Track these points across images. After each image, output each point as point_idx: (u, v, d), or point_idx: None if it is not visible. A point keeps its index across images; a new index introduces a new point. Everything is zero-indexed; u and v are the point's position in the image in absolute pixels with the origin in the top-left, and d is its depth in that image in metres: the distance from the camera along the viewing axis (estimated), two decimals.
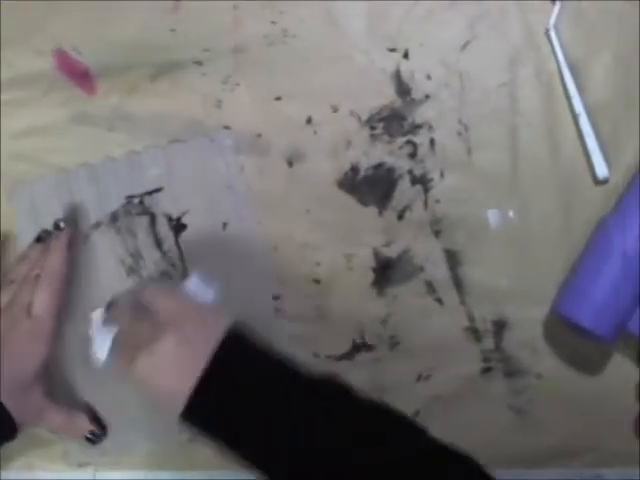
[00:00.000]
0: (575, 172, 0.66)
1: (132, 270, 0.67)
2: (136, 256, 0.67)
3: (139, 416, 0.67)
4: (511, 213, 0.66)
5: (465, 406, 0.66)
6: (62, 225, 0.65)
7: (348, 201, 0.67)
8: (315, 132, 0.68)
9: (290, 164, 0.68)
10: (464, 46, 0.67)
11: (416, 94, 0.67)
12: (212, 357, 0.53)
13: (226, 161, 0.67)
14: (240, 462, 0.54)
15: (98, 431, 0.65)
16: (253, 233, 0.67)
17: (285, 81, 0.68)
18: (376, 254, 0.67)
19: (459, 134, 0.67)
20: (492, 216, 0.67)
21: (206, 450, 0.66)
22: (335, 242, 0.67)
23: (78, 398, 0.67)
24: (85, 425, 0.65)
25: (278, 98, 0.68)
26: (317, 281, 0.67)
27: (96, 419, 0.66)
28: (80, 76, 0.68)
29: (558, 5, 0.66)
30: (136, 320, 0.58)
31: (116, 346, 0.59)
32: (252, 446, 0.53)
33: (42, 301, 0.61)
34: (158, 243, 0.67)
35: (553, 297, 0.65)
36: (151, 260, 0.67)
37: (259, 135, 0.68)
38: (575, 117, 0.66)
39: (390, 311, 0.67)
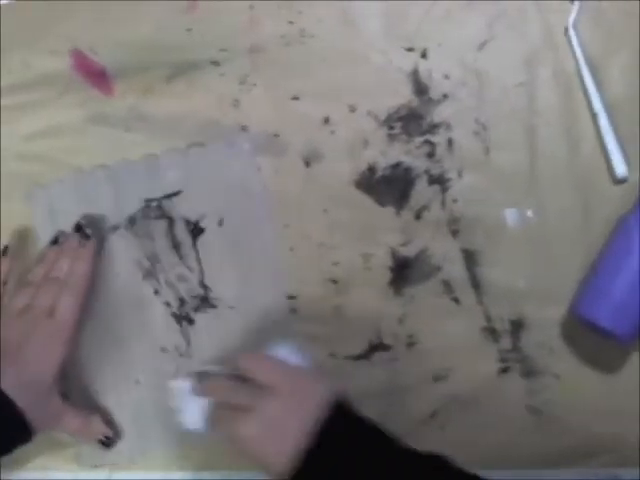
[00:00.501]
0: (594, 171, 0.66)
1: (149, 273, 0.68)
2: (153, 260, 0.67)
3: (153, 420, 0.67)
4: (529, 212, 0.66)
5: (482, 406, 0.66)
6: (89, 232, 0.65)
7: (365, 201, 0.67)
8: (332, 132, 0.68)
9: (307, 164, 0.68)
10: (482, 46, 0.67)
11: (434, 94, 0.67)
12: (319, 428, 0.53)
13: (244, 165, 0.67)
14: None
15: (112, 435, 0.65)
16: (269, 235, 0.67)
17: (302, 81, 0.68)
18: (393, 254, 0.67)
19: (477, 134, 0.67)
20: (510, 216, 0.66)
21: (221, 450, 0.67)
22: (352, 242, 0.67)
23: (93, 401, 0.67)
24: (100, 428, 0.65)
25: (295, 98, 0.68)
26: (334, 281, 0.67)
27: (110, 422, 0.66)
28: (97, 77, 0.68)
29: (577, 5, 0.66)
30: (234, 387, 0.58)
31: (213, 414, 0.59)
32: None
33: (67, 305, 0.62)
34: (176, 246, 0.67)
35: (571, 297, 0.65)
36: (168, 264, 0.68)
37: (276, 135, 0.68)
38: (594, 116, 0.66)
39: (407, 311, 0.67)
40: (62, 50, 0.68)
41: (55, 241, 0.65)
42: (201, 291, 0.67)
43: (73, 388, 0.66)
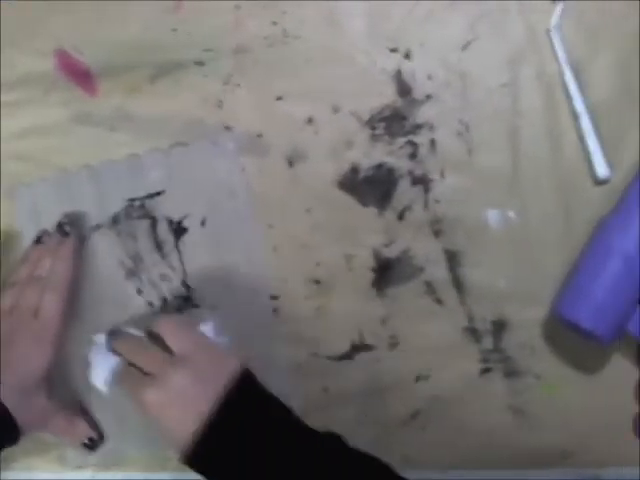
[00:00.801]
0: (576, 172, 0.66)
1: (132, 273, 0.68)
2: (136, 259, 0.68)
3: (136, 420, 0.66)
4: (511, 213, 0.66)
5: (464, 406, 0.66)
6: (68, 229, 0.65)
7: (348, 201, 0.67)
8: (316, 132, 0.68)
9: (291, 164, 0.68)
10: (465, 46, 0.67)
11: (417, 94, 0.67)
12: (223, 399, 0.54)
13: (228, 164, 0.68)
14: None
15: (96, 437, 0.66)
16: (252, 234, 0.67)
17: (286, 81, 0.68)
18: (376, 254, 0.67)
19: (460, 134, 0.67)
20: (492, 216, 0.66)
21: None
22: (335, 242, 0.67)
23: (77, 402, 0.67)
24: (85, 431, 0.65)
25: (279, 98, 0.68)
26: (317, 281, 0.67)
27: (94, 425, 0.66)
28: (81, 76, 0.68)
29: (559, 5, 0.66)
30: (144, 349, 0.59)
31: (118, 374, 0.59)
32: None
33: (50, 305, 0.62)
34: (158, 246, 0.68)
35: (553, 297, 0.65)
36: (151, 263, 0.68)
37: (260, 135, 0.68)
38: (576, 117, 0.66)
39: (390, 311, 0.67)
40: (46, 50, 0.68)
41: (38, 240, 0.66)
42: (184, 291, 0.68)
43: (57, 389, 0.65)
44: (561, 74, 0.66)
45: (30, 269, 0.64)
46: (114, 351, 0.61)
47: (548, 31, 0.66)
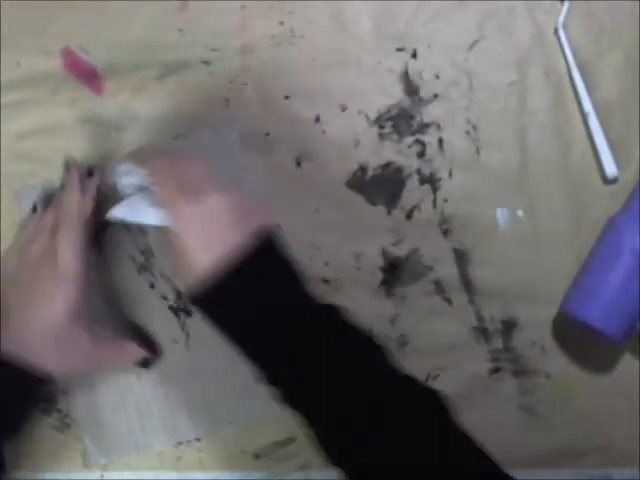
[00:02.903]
0: (584, 171, 0.66)
1: (144, 268, 0.67)
2: (147, 253, 0.67)
3: (156, 416, 0.67)
4: (520, 212, 0.66)
5: (474, 406, 0.66)
6: (69, 165, 0.63)
7: (356, 200, 0.67)
8: (323, 131, 0.67)
9: (298, 163, 0.67)
10: (472, 45, 0.67)
11: (424, 93, 0.67)
12: (247, 248, 0.53)
13: (232, 155, 0.67)
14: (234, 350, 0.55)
15: (149, 356, 0.65)
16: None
17: (293, 81, 0.68)
18: (385, 253, 0.67)
19: (467, 133, 0.67)
20: (501, 215, 0.66)
21: (215, 451, 0.66)
22: (343, 242, 0.67)
23: (125, 325, 0.66)
24: (136, 352, 0.64)
25: (286, 97, 0.68)
26: (326, 281, 0.67)
27: (148, 343, 0.65)
28: (88, 76, 0.68)
29: (567, 5, 0.66)
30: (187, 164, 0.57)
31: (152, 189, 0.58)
32: (256, 346, 0.54)
33: (63, 245, 0.60)
34: None
35: (562, 296, 0.65)
36: (162, 257, 0.67)
37: (267, 134, 0.68)
38: (584, 116, 0.66)
39: (399, 311, 0.67)
40: (53, 49, 0.68)
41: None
42: None
43: (101, 321, 0.64)
44: (569, 73, 0.66)
45: (55, 216, 0.62)
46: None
47: (556, 30, 0.66)
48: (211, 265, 0.52)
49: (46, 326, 0.58)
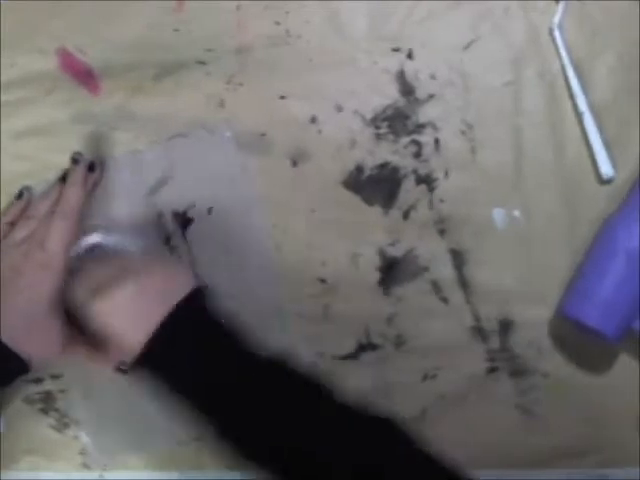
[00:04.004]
0: (580, 172, 0.66)
1: None
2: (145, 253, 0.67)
3: (153, 415, 0.66)
4: (516, 212, 0.66)
5: (471, 406, 0.66)
6: (77, 158, 0.64)
7: (353, 200, 0.67)
8: (319, 131, 0.67)
9: (294, 164, 0.67)
10: (467, 46, 0.67)
11: (420, 94, 0.67)
12: (172, 312, 0.54)
13: (227, 154, 0.67)
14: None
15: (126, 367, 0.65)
16: (259, 220, 0.67)
17: (289, 81, 0.68)
18: (381, 253, 0.67)
19: (463, 133, 0.67)
20: (497, 215, 0.66)
21: (214, 450, 0.66)
22: (340, 242, 0.67)
23: None
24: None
25: (282, 97, 0.68)
26: (322, 280, 0.67)
27: None
28: (83, 76, 0.68)
29: (562, 5, 0.66)
30: (98, 260, 0.60)
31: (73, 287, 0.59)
32: (195, 406, 0.55)
33: (55, 234, 0.61)
34: (166, 238, 0.67)
35: (559, 296, 0.65)
36: None
37: (263, 134, 0.67)
38: (579, 116, 0.66)
39: (395, 310, 0.66)
40: (49, 49, 0.68)
41: (63, 179, 0.65)
42: None
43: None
44: (564, 73, 0.66)
45: (48, 205, 0.63)
46: None
47: (551, 30, 0.66)
48: (139, 341, 0.54)
49: (29, 310, 0.59)
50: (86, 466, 0.67)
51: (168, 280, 0.57)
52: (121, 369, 0.63)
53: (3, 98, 0.68)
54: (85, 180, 0.64)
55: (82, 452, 0.67)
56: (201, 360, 0.55)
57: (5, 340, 0.58)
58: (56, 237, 0.61)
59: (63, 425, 0.67)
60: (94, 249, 0.64)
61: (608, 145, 0.65)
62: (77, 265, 0.62)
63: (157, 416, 0.65)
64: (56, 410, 0.67)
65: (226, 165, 0.67)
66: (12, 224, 0.64)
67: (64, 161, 0.67)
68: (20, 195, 0.66)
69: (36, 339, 0.59)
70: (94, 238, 0.65)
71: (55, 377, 0.66)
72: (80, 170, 0.64)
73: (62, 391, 0.66)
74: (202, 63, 0.68)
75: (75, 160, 0.65)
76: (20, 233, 0.62)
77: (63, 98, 0.68)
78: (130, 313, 0.55)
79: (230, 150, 0.67)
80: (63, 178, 0.65)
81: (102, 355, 0.63)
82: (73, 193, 0.63)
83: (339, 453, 0.52)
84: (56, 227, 0.61)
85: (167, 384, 0.55)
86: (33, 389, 0.66)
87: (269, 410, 0.54)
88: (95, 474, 0.67)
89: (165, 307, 0.55)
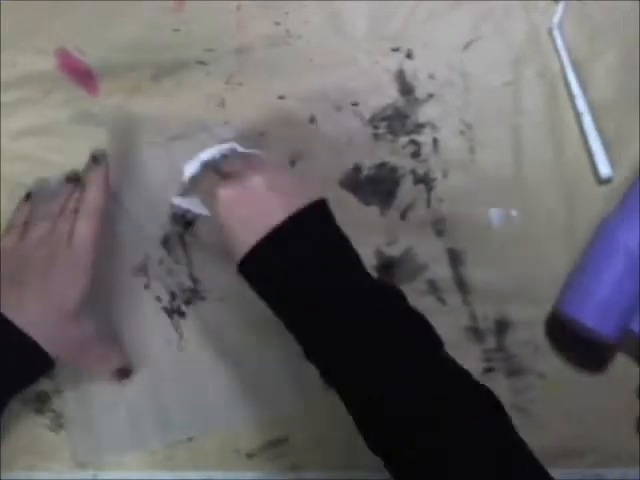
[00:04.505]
0: (578, 171, 0.66)
1: (138, 269, 0.68)
2: (145, 256, 0.68)
3: (147, 416, 0.67)
4: (514, 212, 0.66)
5: None
6: (99, 156, 0.64)
7: (351, 200, 0.67)
8: (318, 131, 0.68)
9: (293, 163, 0.68)
10: (467, 46, 0.67)
11: (419, 93, 0.67)
12: (293, 218, 0.53)
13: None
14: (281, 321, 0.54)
15: (128, 368, 0.65)
16: None
17: (288, 81, 0.68)
18: (379, 253, 0.67)
19: (462, 133, 0.67)
20: (495, 215, 0.67)
21: (208, 450, 0.67)
22: None
23: (110, 335, 0.67)
24: (117, 362, 0.65)
25: (281, 97, 0.68)
26: None
27: (126, 357, 0.66)
28: (83, 76, 0.68)
29: (562, 5, 0.66)
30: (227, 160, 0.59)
31: (200, 178, 0.59)
32: (296, 316, 0.54)
33: (83, 231, 0.60)
34: (164, 240, 0.68)
35: (556, 296, 0.65)
36: (157, 258, 0.67)
37: (262, 134, 0.68)
38: (578, 116, 0.66)
39: None
40: (48, 49, 0.68)
41: (68, 179, 0.65)
42: (191, 284, 0.67)
43: (91, 321, 0.63)
44: (563, 73, 0.66)
45: (60, 204, 0.63)
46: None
47: (550, 30, 0.66)
48: (255, 239, 0.53)
49: (52, 308, 0.59)
50: (76, 464, 0.67)
51: (297, 184, 0.56)
52: (120, 374, 0.64)
53: (3, 98, 0.68)
54: (107, 178, 0.64)
55: (72, 449, 0.67)
56: (317, 268, 0.53)
57: (36, 339, 0.58)
58: (83, 236, 0.60)
59: (58, 425, 0.67)
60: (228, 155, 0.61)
61: (607, 145, 0.65)
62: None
63: (148, 417, 0.67)
64: (52, 410, 0.67)
65: None
66: (26, 223, 0.63)
67: (63, 161, 0.68)
68: (28, 196, 0.65)
69: (59, 341, 0.59)
70: (231, 145, 0.62)
71: (50, 377, 0.66)
72: (105, 168, 0.64)
73: (57, 391, 0.67)
74: (202, 63, 0.68)
75: (96, 159, 0.64)
76: (36, 232, 0.61)
77: (62, 98, 0.68)
78: (255, 204, 0.54)
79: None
80: (71, 178, 0.65)
81: (107, 362, 0.64)
82: (96, 192, 0.62)
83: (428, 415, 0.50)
84: (82, 226, 0.60)
85: (276, 282, 0.54)
86: (28, 389, 0.67)
87: (376, 341, 0.52)
88: (88, 474, 0.67)
89: (290, 207, 0.53)
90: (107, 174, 0.63)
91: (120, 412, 0.67)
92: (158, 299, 0.67)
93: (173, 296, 0.67)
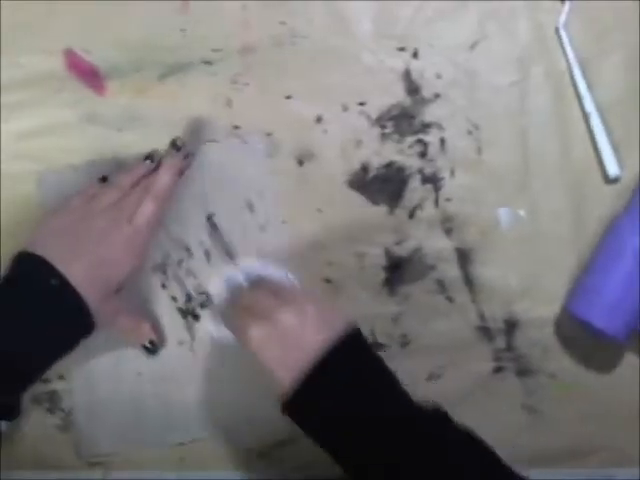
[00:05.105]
0: (586, 171, 0.66)
1: (158, 267, 0.67)
2: (163, 253, 0.67)
3: (154, 413, 0.67)
4: (522, 212, 0.66)
5: (477, 405, 0.66)
6: (180, 143, 0.64)
7: (359, 200, 0.67)
8: (325, 131, 0.67)
9: (300, 163, 0.67)
10: (473, 45, 0.67)
11: (426, 93, 0.67)
12: (330, 349, 0.53)
13: (257, 165, 0.67)
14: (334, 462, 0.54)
15: (157, 341, 0.65)
16: (278, 236, 0.67)
17: (294, 81, 0.68)
18: (387, 253, 0.67)
19: (469, 133, 0.67)
20: (503, 215, 0.66)
21: (218, 451, 0.66)
22: (346, 241, 0.67)
23: (144, 309, 0.67)
24: (148, 333, 0.65)
25: (288, 97, 0.68)
26: (328, 280, 0.67)
27: (158, 330, 0.66)
28: (90, 76, 0.68)
29: (568, 4, 0.66)
30: (256, 294, 0.59)
31: (231, 315, 0.61)
32: (346, 454, 0.54)
33: (146, 212, 0.61)
34: (187, 244, 0.68)
35: (565, 296, 0.65)
36: (178, 259, 0.67)
37: (269, 134, 0.68)
38: (586, 116, 0.66)
39: (401, 310, 0.66)
40: (55, 50, 0.68)
41: (147, 157, 0.65)
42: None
43: (129, 292, 0.65)
44: (570, 73, 0.66)
45: (133, 179, 0.63)
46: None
47: (557, 30, 0.66)
48: (293, 376, 0.53)
49: (102, 280, 0.59)
50: (79, 456, 0.67)
51: (327, 313, 0.56)
52: (147, 348, 0.64)
53: (9, 98, 0.68)
54: (180, 167, 0.64)
55: (76, 442, 0.67)
56: (361, 399, 0.54)
57: (89, 301, 0.58)
58: (145, 215, 0.61)
59: (68, 425, 0.67)
60: (254, 279, 0.64)
61: (614, 144, 0.65)
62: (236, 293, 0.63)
63: (152, 415, 0.67)
64: (62, 410, 0.67)
65: (255, 176, 0.67)
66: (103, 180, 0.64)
67: (70, 161, 0.68)
68: (104, 179, 0.65)
69: (101, 307, 0.59)
70: (258, 267, 0.65)
71: (62, 377, 0.66)
72: (179, 156, 0.64)
73: (68, 391, 0.67)
74: (208, 63, 0.68)
75: (175, 145, 0.64)
76: (103, 200, 0.61)
77: (70, 98, 0.68)
78: (288, 341, 0.54)
79: (261, 161, 0.67)
80: (149, 157, 0.64)
81: (139, 332, 0.64)
82: (168, 178, 0.63)
83: None
84: (147, 206, 0.61)
85: (323, 422, 0.54)
86: (40, 389, 0.67)
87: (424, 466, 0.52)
88: (98, 474, 0.67)
89: (324, 341, 0.54)
90: (180, 162, 0.64)
91: (122, 406, 0.67)
92: (174, 299, 0.67)
93: (189, 298, 0.67)
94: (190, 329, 0.67)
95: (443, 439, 0.53)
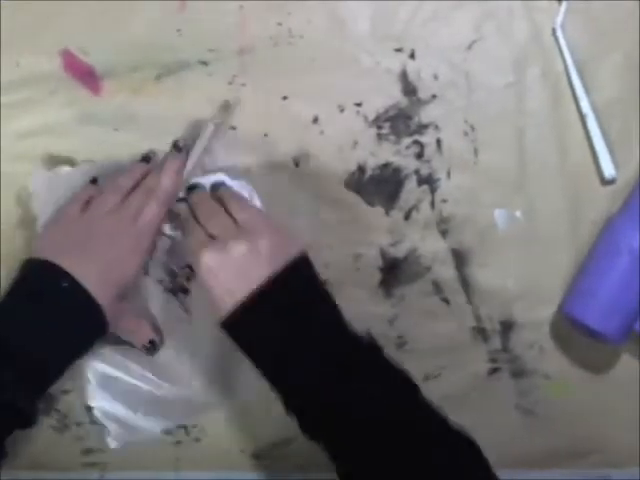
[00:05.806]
0: (582, 172, 0.66)
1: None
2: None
3: (152, 404, 0.67)
4: (518, 213, 0.66)
5: (472, 406, 0.66)
6: (181, 144, 0.65)
7: (355, 201, 0.67)
8: (322, 132, 0.67)
9: (297, 164, 0.67)
10: (470, 46, 0.67)
11: (422, 94, 0.67)
12: (273, 277, 0.54)
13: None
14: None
15: (157, 341, 0.65)
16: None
17: (291, 81, 0.68)
18: (383, 254, 0.67)
19: (466, 134, 0.67)
20: (499, 216, 0.66)
21: (214, 450, 0.67)
22: (342, 242, 0.67)
23: (143, 308, 0.67)
24: (148, 333, 0.65)
25: (284, 98, 0.68)
26: (324, 282, 0.67)
27: (157, 330, 0.66)
28: (86, 76, 0.68)
29: (564, 5, 0.66)
30: (215, 213, 0.60)
31: (188, 229, 0.61)
32: (280, 376, 0.55)
33: (151, 213, 0.62)
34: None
35: (560, 297, 0.65)
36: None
37: (265, 135, 0.67)
38: (582, 117, 0.66)
39: (397, 311, 0.67)
40: (51, 50, 0.68)
41: (144, 159, 0.66)
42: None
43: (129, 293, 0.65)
44: (567, 74, 0.66)
45: (133, 181, 0.63)
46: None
47: (553, 31, 0.66)
48: (238, 301, 0.54)
49: (110, 281, 0.59)
50: (86, 466, 0.67)
51: (280, 248, 0.57)
52: (148, 347, 0.65)
53: (6, 98, 0.68)
54: (183, 167, 0.65)
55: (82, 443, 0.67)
56: (295, 328, 0.55)
57: (100, 302, 0.58)
58: (150, 217, 0.62)
59: (64, 426, 0.67)
60: (219, 187, 0.64)
61: (611, 146, 0.65)
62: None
63: (144, 401, 0.66)
64: (57, 411, 0.67)
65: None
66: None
67: (66, 161, 0.67)
68: (94, 181, 0.65)
69: (109, 309, 0.59)
70: (220, 176, 0.65)
71: None
72: (182, 157, 0.65)
73: (64, 392, 0.67)
74: (204, 63, 0.68)
75: (177, 146, 0.65)
76: (104, 204, 0.62)
77: (66, 99, 0.68)
78: (237, 270, 0.55)
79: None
80: (144, 158, 0.65)
81: (140, 333, 0.65)
82: (172, 179, 0.63)
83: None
84: (152, 207, 0.62)
85: (257, 345, 0.56)
86: None
87: (358, 399, 0.54)
88: (95, 474, 0.67)
89: (270, 270, 0.55)
90: (183, 163, 0.65)
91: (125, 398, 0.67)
92: (160, 282, 0.67)
93: (173, 274, 0.67)
94: (184, 304, 0.67)
95: (373, 366, 0.55)
